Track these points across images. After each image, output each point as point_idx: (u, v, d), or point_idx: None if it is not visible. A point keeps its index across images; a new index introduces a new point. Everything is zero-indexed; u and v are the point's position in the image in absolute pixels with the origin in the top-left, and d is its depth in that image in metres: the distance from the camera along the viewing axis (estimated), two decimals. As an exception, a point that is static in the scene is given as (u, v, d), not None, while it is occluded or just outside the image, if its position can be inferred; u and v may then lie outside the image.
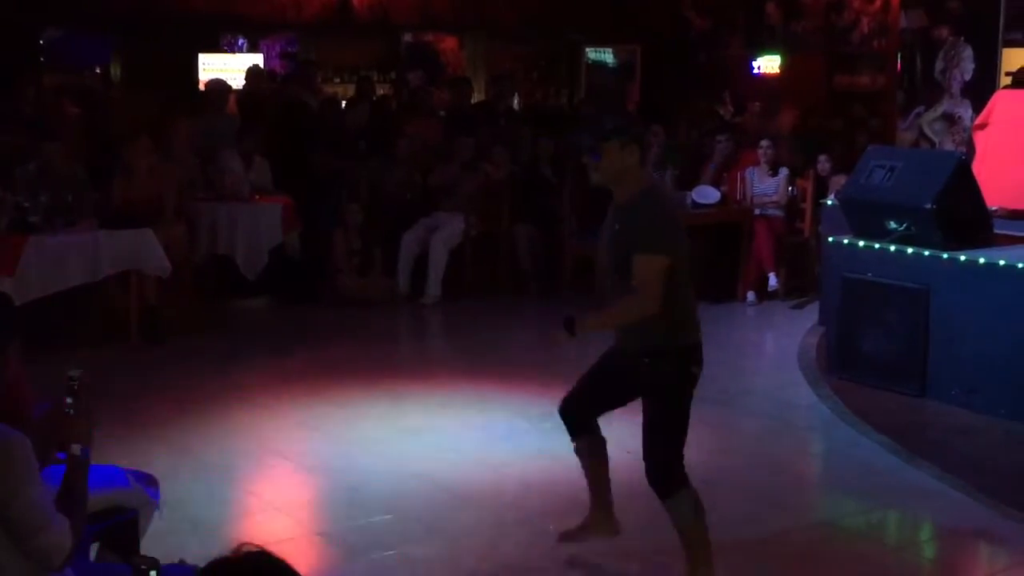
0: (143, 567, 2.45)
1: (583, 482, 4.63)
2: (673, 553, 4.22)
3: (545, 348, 7.98)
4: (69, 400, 3.02)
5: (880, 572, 4.53)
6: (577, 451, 4.46)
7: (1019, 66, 10.62)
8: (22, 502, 2.74)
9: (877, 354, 6.94)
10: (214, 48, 12.58)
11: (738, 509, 5.10)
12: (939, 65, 11.55)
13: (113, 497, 3.60)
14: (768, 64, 13.36)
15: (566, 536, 4.56)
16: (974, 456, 5.91)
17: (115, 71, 12.17)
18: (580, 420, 4.40)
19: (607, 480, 4.48)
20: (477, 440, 5.98)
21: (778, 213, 9.78)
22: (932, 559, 4.85)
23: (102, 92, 11.73)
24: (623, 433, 5.91)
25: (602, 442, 4.45)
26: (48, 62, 12.19)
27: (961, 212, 6.88)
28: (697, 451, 5.76)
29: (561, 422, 4.48)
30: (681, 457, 4.11)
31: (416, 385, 6.99)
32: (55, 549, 2.81)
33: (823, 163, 10.09)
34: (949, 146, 11.06)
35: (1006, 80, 10.72)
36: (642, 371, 4.05)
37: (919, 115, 11.77)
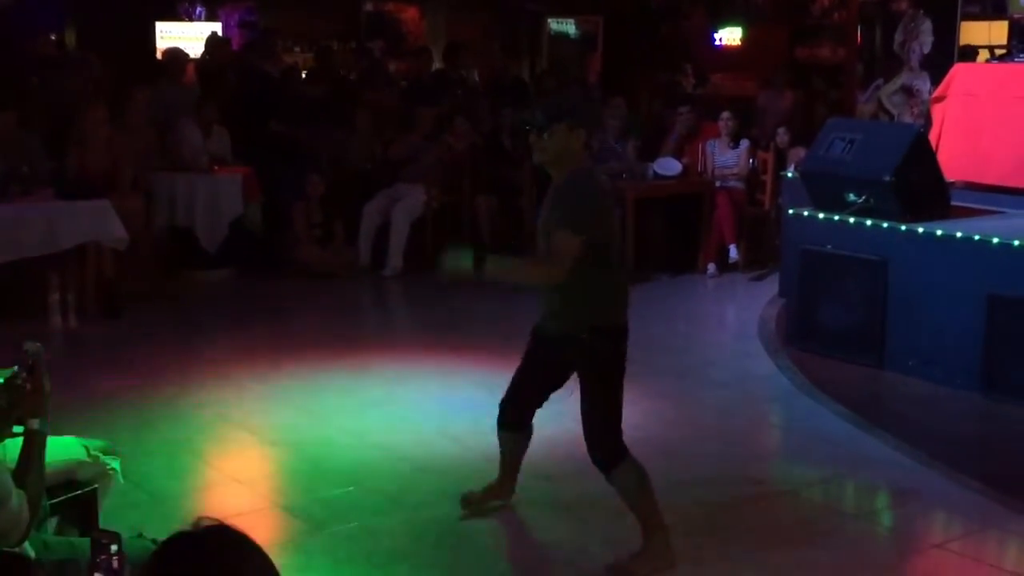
0: (104, 541, 2.43)
1: (542, 451, 4.87)
2: (633, 525, 4.25)
3: (506, 319, 8.00)
4: (25, 374, 2.98)
5: (838, 540, 4.58)
6: (500, 439, 4.65)
7: (976, 39, 10.73)
8: (-23, 478, 2.71)
9: (836, 325, 6.99)
10: (171, 16, 12.43)
11: (697, 479, 5.14)
12: (898, 37, 11.61)
13: (70, 469, 3.57)
14: (729, 35, 13.38)
15: (470, 499, 4.70)
16: (931, 426, 5.98)
17: (70, 39, 12.00)
18: (512, 415, 4.57)
19: (519, 462, 4.69)
20: (438, 411, 5.98)
21: (739, 185, 9.81)
22: (889, 527, 4.91)
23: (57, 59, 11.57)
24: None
25: (527, 438, 4.64)
26: (1, 29, 11.99)
27: (919, 184, 6.93)
28: (656, 422, 5.83)
29: None
30: (619, 432, 4.19)
31: (377, 357, 6.97)
32: (12, 525, 2.78)
33: (781, 135, 10.11)
34: (908, 119, 11.13)
35: (984, 54, 10.79)
36: (578, 348, 4.12)
37: (878, 87, 11.84)
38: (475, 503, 4.70)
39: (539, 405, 4.53)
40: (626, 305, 4.20)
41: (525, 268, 4.40)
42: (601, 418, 4.15)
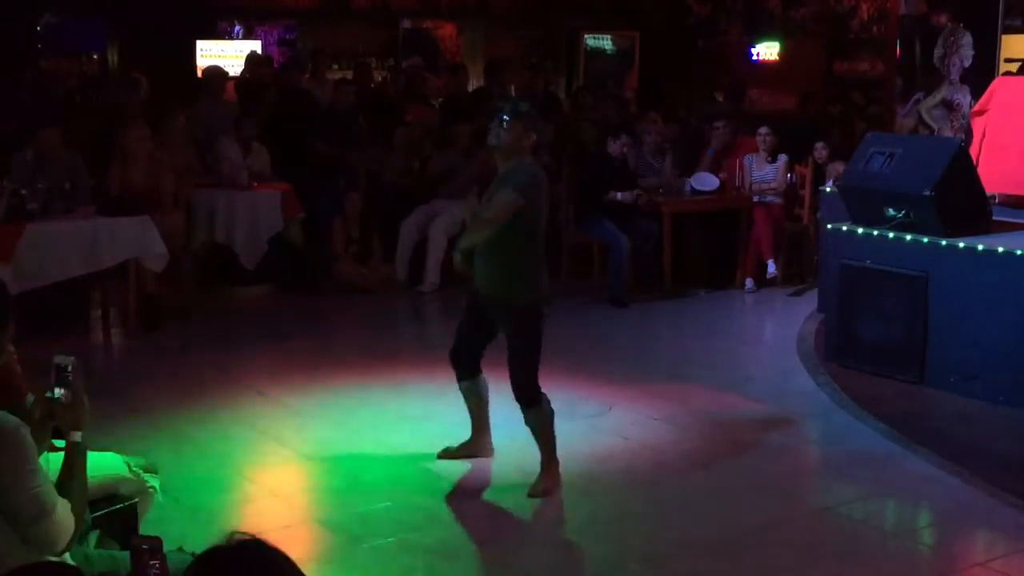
0: (144, 547, 2.44)
1: (580, 467, 5.09)
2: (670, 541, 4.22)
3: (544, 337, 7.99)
4: (62, 388, 3.01)
5: (878, 559, 4.53)
6: (461, 389, 5.35)
7: (1018, 52, 10.62)
8: (23, 489, 2.75)
9: (876, 341, 6.93)
10: (212, 34, 12.56)
11: (736, 495, 5.11)
12: (938, 51, 11.53)
13: (111, 484, 3.60)
14: (767, 50, 13.34)
15: (446, 454, 5.42)
16: (973, 443, 5.91)
17: (112, 57, 12.16)
18: (466, 365, 5.28)
19: (487, 412, 5.42)
20: (475, 427, 5.97)
21: (777, 200, 9.76)
22: (930, 546, 4.85)
23: (102, 78, 11.73)
24: (621, 421, 5.94)
25: (484, 383, 5.36)
26: (45, 48, 12.17)
27: (960, 199, 6.86)
28: (695, 437, 5.81)
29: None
30: (536, 378, 5.02)
31: (415, 373, 6.98)
32: (58, 534, 2.82)
33: (820, 150, 10.04)
34: (948, 133, 11.03)
35: (1006, 66, 10.70)
36: (503, 320, 5.01)
37: (918, 101, 11.75)
38: (450, 457, 5.39)
39: (482, 352, 5.27)
40: (546, 281, 5.05)
41: (473, 227, 5.12)
42: (523, 367, 4.98)
